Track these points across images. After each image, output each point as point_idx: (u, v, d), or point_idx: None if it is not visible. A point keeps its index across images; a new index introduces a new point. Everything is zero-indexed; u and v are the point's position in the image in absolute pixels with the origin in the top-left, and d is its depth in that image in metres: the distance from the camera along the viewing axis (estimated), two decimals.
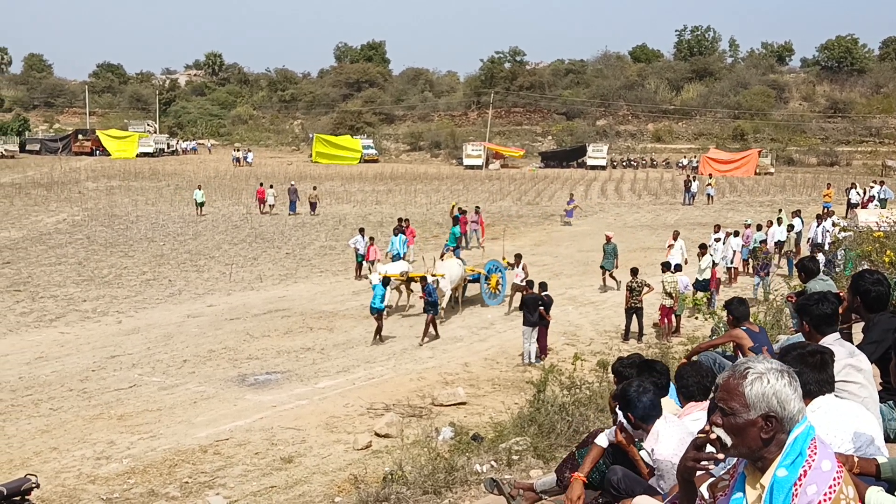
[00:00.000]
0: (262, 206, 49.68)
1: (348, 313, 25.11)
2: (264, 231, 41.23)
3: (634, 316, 21.35)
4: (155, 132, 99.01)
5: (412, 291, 25.17)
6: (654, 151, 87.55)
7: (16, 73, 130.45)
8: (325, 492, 12.55)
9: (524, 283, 22.89)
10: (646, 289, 21.30)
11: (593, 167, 79.17)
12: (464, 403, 16.79)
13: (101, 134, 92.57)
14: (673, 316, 21.82)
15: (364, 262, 30.86)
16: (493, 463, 11.25)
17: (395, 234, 31.22)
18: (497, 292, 25.66)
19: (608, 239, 27.92)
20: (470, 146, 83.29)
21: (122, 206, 50.87)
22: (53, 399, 17.57)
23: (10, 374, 19.43)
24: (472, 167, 79.26)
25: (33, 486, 11.79)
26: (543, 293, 20.23)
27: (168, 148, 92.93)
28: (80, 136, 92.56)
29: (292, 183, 52.47)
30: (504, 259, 26.32)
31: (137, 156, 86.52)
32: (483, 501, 8.62)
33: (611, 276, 27.34)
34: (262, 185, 52.40)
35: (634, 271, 21.79)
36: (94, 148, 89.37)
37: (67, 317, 25.15)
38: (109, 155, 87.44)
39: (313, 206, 48.86)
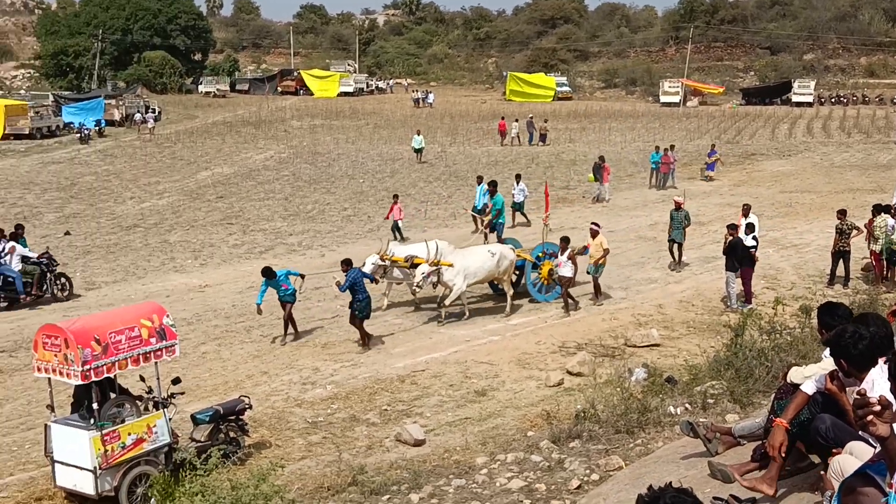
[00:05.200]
0: (503, 138, 52.96)
1: None
2: (458, 169, 41.77)
3: (841, 260, 20.36)
4: (355, 72, 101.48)
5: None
6: (866, 87, 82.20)
7: (226, 16, 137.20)
8: (518, 426, 12.80)
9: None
10: (854, 231, 20.25)
11: (799, 104, 75.22)
12: (657, 345, 16.64)
13: (304, 74, 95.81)
14: (884, 262, 20.62)
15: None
16: (687, 405, 11.15)
17: (479, 184, 28.21)
18: (552, 284, 20.36)
19: (678, 205, 22.93)
20: (667, 83, 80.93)
21: (325, 144, 52.72)
22: (263, 326, 18.64)
23: (224, 301, 20.75)
24: (668, 104, 77.06)
25: (247, 406, 12.68)
26: (753, 234, 19.64)
27: (367, 87, 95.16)
28: (285, 76, 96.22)
29: (530, 116, 55.49)
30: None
31: (338, 95, 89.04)
32: (677, 443, 8.57)
33: (679, 249, 22.94)
34: (503, 118, 55.70)
35: (842, 213, 20.71)
36: (298, 87, 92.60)
37: (275, 249, 26.49)
38: (312, 94, 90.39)
39: (543, 137, 52.51)
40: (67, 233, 28.87)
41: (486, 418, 13.41)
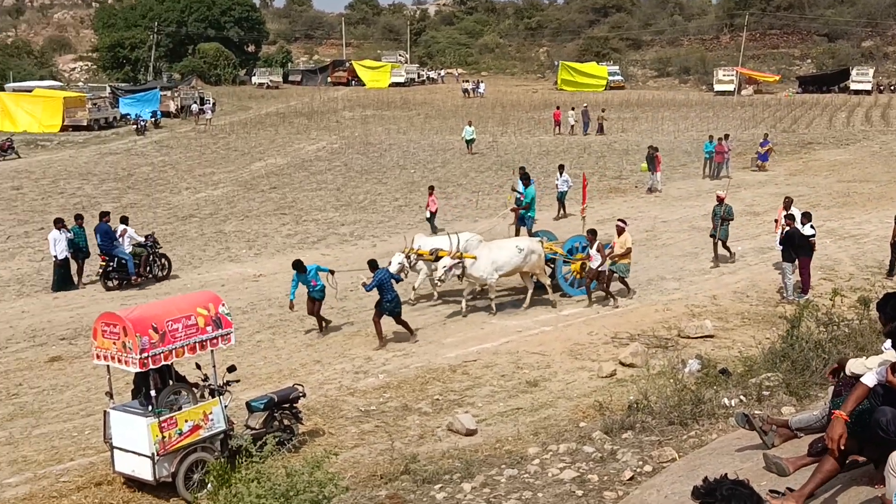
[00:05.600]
0: (557, 127, 52.83)
1: None
2: (509, 159, 41.64)
3: None
4: (406, 62, 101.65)
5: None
6: None
7: (279, 7, 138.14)
8: (570, 416, 12.78)
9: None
10: None
11: (857, 92, 73.74)
12: (711, 336, 16.48)
13: (356, 64, 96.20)
14: None
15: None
16: (741, 397, 11.03)
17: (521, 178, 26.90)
18: (582, 278, 19.81)
19: (720, 200, 21.77)
20: (721, 71, 79.84)
21: (376, 135, 52.92)
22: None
23: (278, 290, 20.96)
24: (722, 93, 76.05)
25: (300, 395, 12.81)
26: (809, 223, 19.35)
27: (418, 77, 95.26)
28: (337, 67, 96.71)
29: (584, 105, 55.46)
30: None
31: (390, 85, 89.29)
32: (731, 435, 8.49)
33: (724, 245, 22.00)
34: (558, 107, 55.53)
35: None
36: (349, 78, 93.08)
37: (328, 239, 26.69)
38: (364, 85, 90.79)
39: (601, 127, 51.97)
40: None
41: (538, 409, 13.40)
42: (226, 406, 11.70)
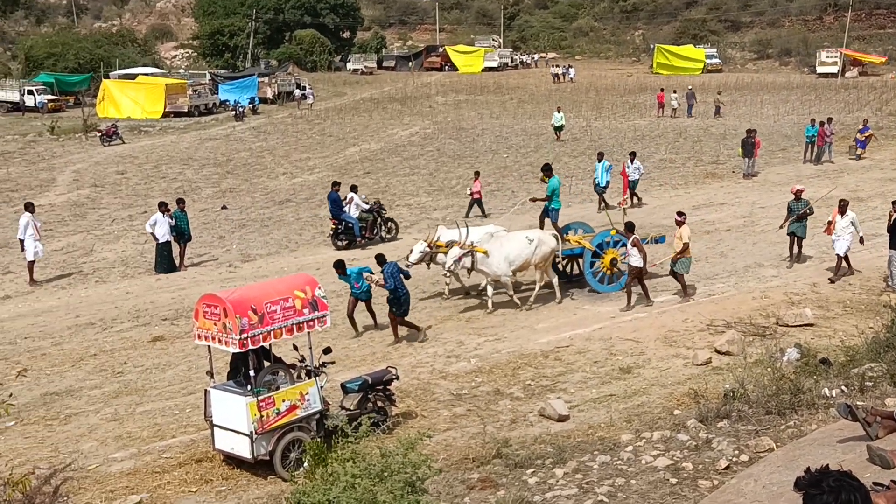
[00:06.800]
0: (661, 110, 52.41)
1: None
2: (603, 143, 41.21)
3: None
4: (499, 47, 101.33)
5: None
6: None
7: None
8: (664, 404, 12.64)
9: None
10: None
11: None
12: (811, 325, 16.07)
13: (449, 49, 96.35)
14: None
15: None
16: (843, 388, 10.77)
17: (599, 161, 28.09)
18: (613, 274, 19.11)
19: (797, 195, 20.26)
20: (824, 53, 77.47)
21: (469, 120, 52.95)
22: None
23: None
24: (825, 75, 73.74)
25: (394, 377, 12.96)
26: None
27: (511, 62, 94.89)
28: (430, 53, 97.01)
29: (690, 87, 54.61)
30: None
31: (483, 70, 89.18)
32: (833, 426, 8.31)
33: (799, 244, 20.49)
34: (662, 90, 54.80)
35: None
36: (443, 63, 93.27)
37: (419, 224, 26.87)
38: (457, 70, 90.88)
39: (717, 109, 51.02)
40: (224, 207, 30.11)
41: (632, 396, 13.29)
42: (321, 387, 11.90)
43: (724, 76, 77.91)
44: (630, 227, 17.93)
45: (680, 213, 18.48)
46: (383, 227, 25.30)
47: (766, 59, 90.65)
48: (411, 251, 18.48)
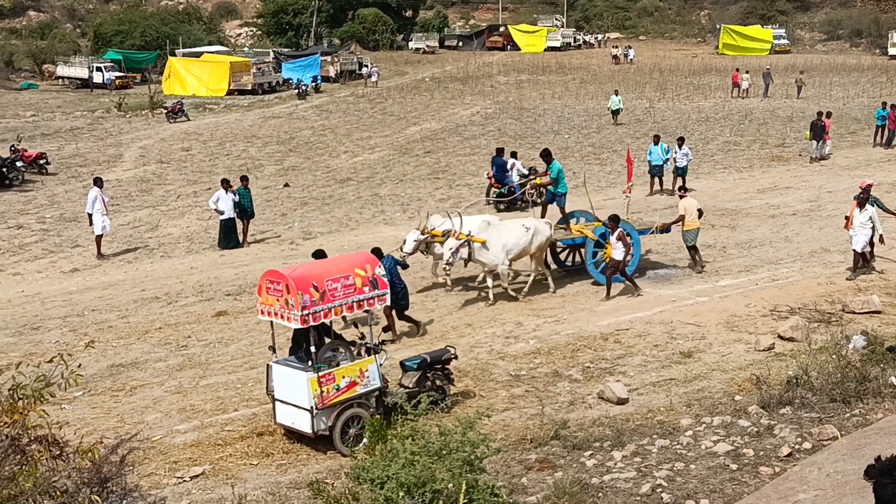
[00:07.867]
0: (735, 89, 52.35)
1: (752, 212, 24.33)
2: (666, 125, 40.71)
3: None
4: (562, 26, 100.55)
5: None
6: None
7: None
8: (725, 389, 12.51)
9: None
10: None
11: None
12: (878, 312, 15.73)
13: (511, 29, 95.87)
14: None
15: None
16: None
17: (655, 143, 27.88)
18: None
19: (865, 190, 18.94)
20: None
21: (530, 100, 52.68)
22: (467, 280, 19.00)
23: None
24: None
25: (452, 356, 13.01)
26: None
27: (574, 42, 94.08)
28: (492, 32, 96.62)
29: (767, 67, 54.53)
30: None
31: (545, 50, 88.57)
32: None
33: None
34: (737, 70, 54.54)
35: None
36: (505, 43, 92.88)
37: (479, 204, 26.81)
38: (519, 49, 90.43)
39: (799, 89, 51.15)
40: (287, 185, 30.40)
41: (692, 380, 13.17)
42: (381, 364, 12.00)
43: (791, 57, 76.39)
44: (615, 220, 17.42)
45: (682, 189, 20.54)
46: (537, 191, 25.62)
47: (835, 41, 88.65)
48: (405, 241, 17.90)
